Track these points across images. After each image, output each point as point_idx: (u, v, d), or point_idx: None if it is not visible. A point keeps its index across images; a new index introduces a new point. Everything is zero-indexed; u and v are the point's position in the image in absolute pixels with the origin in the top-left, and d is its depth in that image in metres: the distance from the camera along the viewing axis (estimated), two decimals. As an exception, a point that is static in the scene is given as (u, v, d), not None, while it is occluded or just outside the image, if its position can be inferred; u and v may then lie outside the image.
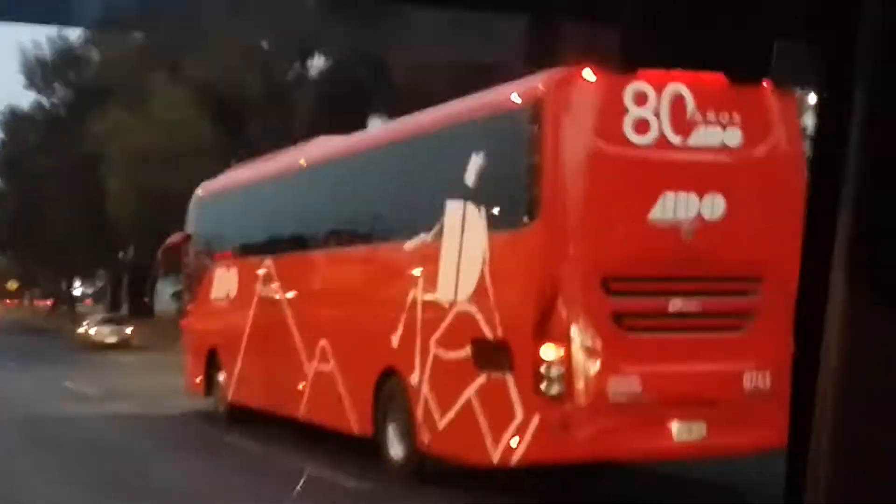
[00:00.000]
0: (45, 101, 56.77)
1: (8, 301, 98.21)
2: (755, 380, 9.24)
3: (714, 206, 9.31)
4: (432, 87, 16.40)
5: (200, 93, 38.83)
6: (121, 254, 52.31)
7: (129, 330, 41.79)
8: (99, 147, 41.30)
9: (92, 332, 41.87)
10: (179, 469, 12.74)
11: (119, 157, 39.03)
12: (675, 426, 9.12)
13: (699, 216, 9.27)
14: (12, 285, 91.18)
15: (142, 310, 45.17)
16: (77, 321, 47.68)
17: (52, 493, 11.54)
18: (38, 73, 54.71)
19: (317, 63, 39.04)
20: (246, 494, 11.24)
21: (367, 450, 11.64)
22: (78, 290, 76.22)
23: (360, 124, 14.83)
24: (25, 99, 61.00)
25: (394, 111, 11.17)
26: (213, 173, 18.56)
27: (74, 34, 51.94)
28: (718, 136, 9.40)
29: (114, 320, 44.92)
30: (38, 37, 53.79)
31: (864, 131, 1.01)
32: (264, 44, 41.01)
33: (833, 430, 1.05)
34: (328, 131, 14.66)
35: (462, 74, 19.17)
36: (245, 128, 36.61)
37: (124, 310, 52.73)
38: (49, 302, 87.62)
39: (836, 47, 1.11)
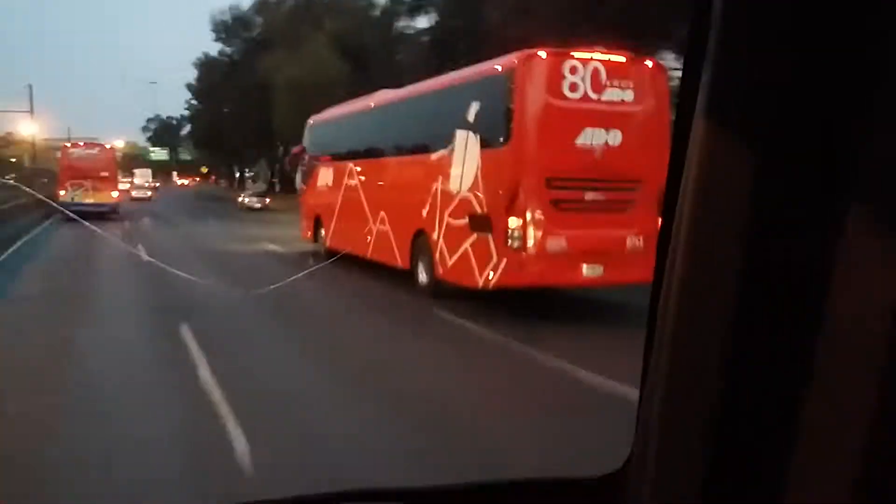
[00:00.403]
0: (226, 49, 55.13)
1: (199, 178, 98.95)
2: (633, 241, 9.56)
3: (615, 137, 9.53)
4: (518, 34, 14.41)
5: (335, 40, 36.88)
6: (280, 150, 49.35)
7: (267, 200, 40.88)
8: (264, 79, 39.60)
9: (245, 200, 41.10)
10: (294, 277, 13.26)
11: (281, 85, 37.13)
12: (584, 267, 9.49)
13: (606, 143, 9.53)
14: (203, 169, 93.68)
15: (284, 187, 44.72)
16: (238, 194, 47.01)
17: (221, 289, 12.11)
18: (222, 30, 53.32)
19: (423, 19, 35.12)
20: (330, 291, 11.90)
21: (405, 277, 11.97)
22: (238, 173, 74.65)
23: (457, 65, 13.58)
24: (214, 48, 60.87)
25: (486, 56, 10.34)
26: (344, 98, 17.83)
27: (247, 4, 51.04)
28: (619, 94, 9.55)
29: (257, 194, 43.83)
30: (223, 5, 52.58)
31: (704, 125, 0.84)
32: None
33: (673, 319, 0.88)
34: (431, 74, 13.54)
35: (545, 23, 17.25)
36: (368, 66, 33.99)
37: (277, 188, 51.81)
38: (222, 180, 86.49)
39: (696, 21, 0.89)
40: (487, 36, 19.73)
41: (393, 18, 37.41)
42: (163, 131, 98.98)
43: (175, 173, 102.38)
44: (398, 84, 14.09)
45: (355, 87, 25.94)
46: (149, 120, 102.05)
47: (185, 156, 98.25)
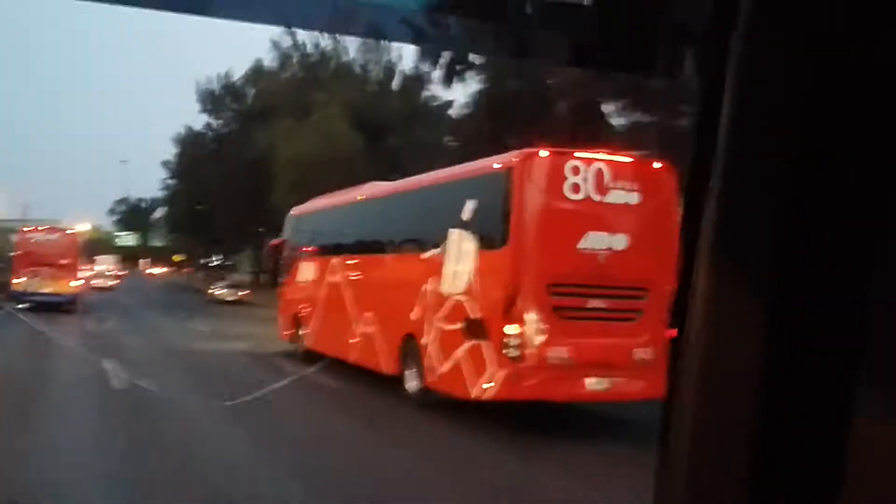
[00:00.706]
0: (213, 122, 49.24)
1: (173, 267, 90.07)
2: (642, 352, 9.04)
3: (620, 241, 9.16)
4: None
5: (350, 111, 32.39)
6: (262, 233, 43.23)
7: (241, 293, 38.55)
8: (261, 154, 34.96)
9: (217, 292, 39.24)
10: (264, 381, 12.48)
11: (282, 161, 32.22)
12: (588, 380, 8.95)
13: (609, 248, 9.13)
14: (177, 258, 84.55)
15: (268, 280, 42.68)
16: (210, 284, 44.33)
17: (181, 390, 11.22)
18: (209, 101, 47.70)
19: (454, 91, 32.10)
20: (313, 400, 10.88)
21: (393, 383, 11.32)
22: (216, 261, 69.80)
23: (492, 147, 12.93)
24: (195, 121, 52.82)
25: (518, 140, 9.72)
26: (359, 176, 16.96)
27: (238, 72, 46.37)
28: (624, 196, 9.24)
29: (233, 285, 41.41)
30: (210, 73, 50.53)
31: (730, 131, 0.85)
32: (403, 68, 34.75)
33: (693, 394, 0.90)
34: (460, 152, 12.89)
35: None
36: (386, 140, 31.45)
37: (261, 279, 48.96)
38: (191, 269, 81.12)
39: (714, 49, 0.89)
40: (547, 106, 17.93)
41: (419, 87, 34.15)
42: (132, 215, 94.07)
43: (142, 261, 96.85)
44: (426, 162, 13.15)
45: (373, 163, 23.71)
46: (117, 202, 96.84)
47: (157, 241, 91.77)
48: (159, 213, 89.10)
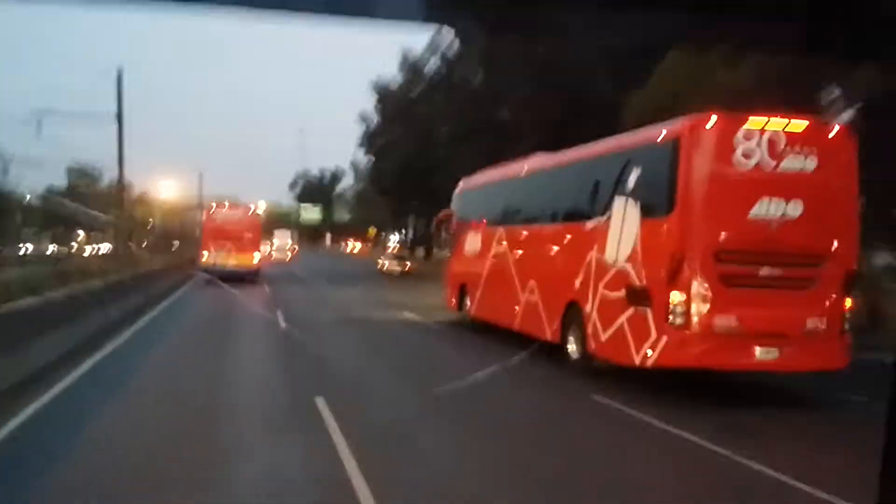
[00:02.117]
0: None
1: (366, 241, 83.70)
2: (814, 323, 8.88)
3: (795, 208, 8.98)
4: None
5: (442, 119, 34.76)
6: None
7: (408, 263, 41.15)
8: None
9: (386, 264, 41.79)
10: (436, 346, 13.34)
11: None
12: (757, 350, 8.88)
13: (784, 215, 8.96)
14: (371, 232, 78.13)
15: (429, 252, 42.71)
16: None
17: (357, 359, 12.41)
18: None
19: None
20: (472, 354, 10.92)
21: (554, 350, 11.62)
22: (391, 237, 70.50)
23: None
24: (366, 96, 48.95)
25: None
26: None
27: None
28: (800, 163, 9.01)
29: (398, 257, 44.33)
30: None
31: None
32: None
33: None
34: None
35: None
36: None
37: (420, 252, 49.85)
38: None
39: None
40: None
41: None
42: (313, 188, 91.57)
43: (328, 235, 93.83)
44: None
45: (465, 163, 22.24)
46: (297, 175, 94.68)
47: (342, 215, 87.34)
48: (346, 183, 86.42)
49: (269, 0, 2.48)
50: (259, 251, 32.28)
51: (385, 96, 44.69)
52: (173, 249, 50.52)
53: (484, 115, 31.02)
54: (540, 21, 2.52)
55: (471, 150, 28.55)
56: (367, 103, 47.34)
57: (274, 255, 51.26)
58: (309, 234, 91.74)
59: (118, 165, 27.99)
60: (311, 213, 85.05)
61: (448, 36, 34.77)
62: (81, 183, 76.65)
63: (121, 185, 32.15)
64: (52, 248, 72.71)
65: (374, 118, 47.83)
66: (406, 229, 60.06)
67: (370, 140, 49.35)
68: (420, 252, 52.25)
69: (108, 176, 78.80)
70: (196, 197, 53.13)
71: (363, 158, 57.46)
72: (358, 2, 2.41)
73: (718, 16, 2.26)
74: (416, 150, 38.79)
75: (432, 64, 39.22)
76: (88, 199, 69.69)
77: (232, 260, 29.49)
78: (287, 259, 52.61)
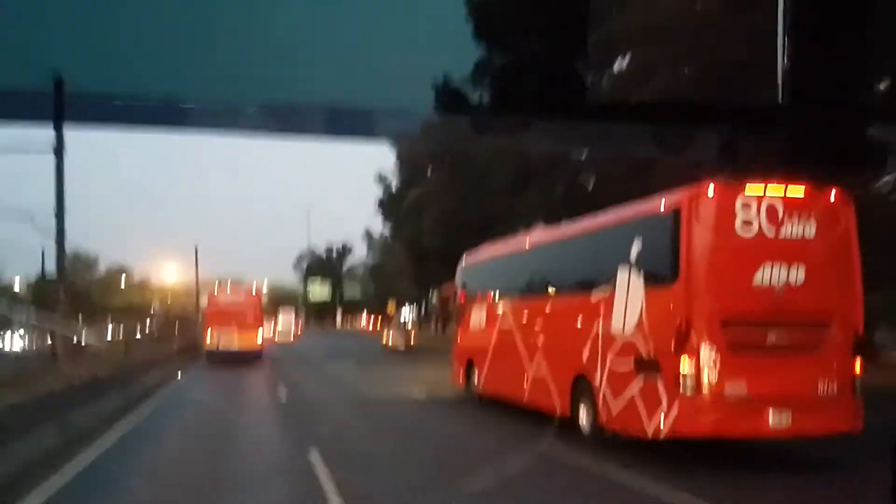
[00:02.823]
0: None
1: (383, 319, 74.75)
2: (825, 386, 8.95)
3: (797, 274, 9.16)
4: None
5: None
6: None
7: (413, 334, 41.62)
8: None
9: (389, 340, 41.72)
10: (440, 425, 13.28)
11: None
12: (770, 416, 8.93)
13: (787, 281, 9.14)
14: (391, 308, 66.51)
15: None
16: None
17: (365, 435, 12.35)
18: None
19: None
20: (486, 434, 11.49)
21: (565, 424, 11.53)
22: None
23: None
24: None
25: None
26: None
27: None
28: (800, 229, 9.24)
29: (401, 328, 44.53)
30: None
31: None
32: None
33: None
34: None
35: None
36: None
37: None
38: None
39: None
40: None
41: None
42: (320, 265, 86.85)
43: (339, 314, 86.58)
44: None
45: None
46: (301, 256, 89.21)
47: (353, 292, 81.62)
48: (354, 259, 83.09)
49: (274, 123, 2.70)
50: (262, 330, 32.52)
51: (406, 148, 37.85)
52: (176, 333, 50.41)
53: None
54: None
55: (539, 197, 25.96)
56: (373, 176, 45.43)
57: (278, 338, 50.96)
58: (317, 312, 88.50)
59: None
60: (319, 290, 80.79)
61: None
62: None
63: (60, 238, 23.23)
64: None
65: (394, 178, 44.59)
66: (427, 301, 55.27)
67: (391, 202, 45.03)
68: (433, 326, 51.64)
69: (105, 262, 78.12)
70: (195, 277, 53.46)
71: (377, 229, 56.05)
72: (358, 123, 2.62)
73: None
74: (463, 201, 32.80)
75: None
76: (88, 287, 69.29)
77: (235, 343, 29.71)
78: (291, 340, 52.63)
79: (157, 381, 20.30)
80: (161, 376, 21.37)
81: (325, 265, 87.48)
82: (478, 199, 31.25)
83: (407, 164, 41.77)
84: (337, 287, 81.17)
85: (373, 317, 77.09)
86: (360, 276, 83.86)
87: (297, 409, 15.94)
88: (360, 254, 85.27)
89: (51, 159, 21.94)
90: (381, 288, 67.08)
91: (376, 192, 46.48)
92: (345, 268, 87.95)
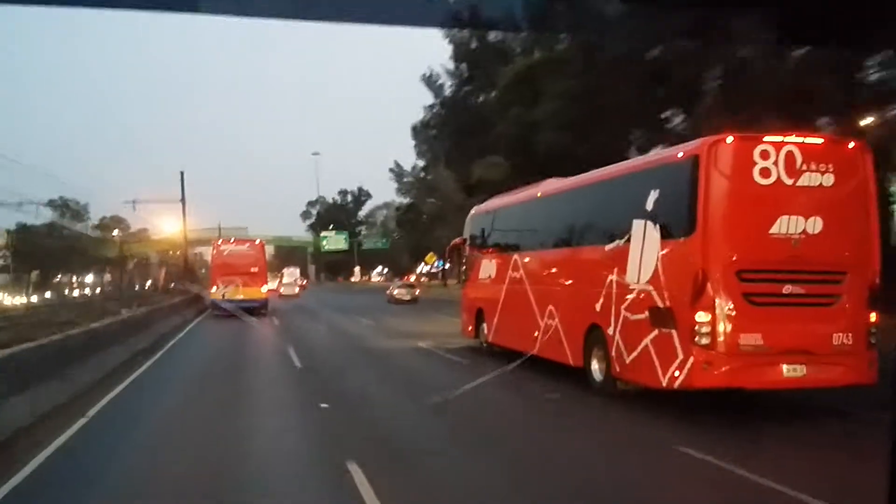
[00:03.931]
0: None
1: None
2: (840, 338, 9.03)
3: (815, 224, 9.18)
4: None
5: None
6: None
7: (417, 291, 43.78)
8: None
9: (395, 292, 43.57)
10: (449, 371, 13.36)
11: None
12: (784, 367, 9.04)
13: (804, 231, 9.17)
14: (430, 258, 58.52)
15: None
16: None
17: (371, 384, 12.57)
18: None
19: None
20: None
21: (576, 375, 11.72)
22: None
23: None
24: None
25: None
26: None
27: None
28: (818, 178, 9.23)
29: (406, 285, 46.52)
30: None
31: None
32: None
33: None
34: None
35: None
36: None
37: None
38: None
39: None
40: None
41: None
42: (331, 214, 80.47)
43: (357, 269, 76.15)
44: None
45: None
46: (310, 203, 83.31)
47: (372, 243, 73.86)
48: (372, 206, 77.55)
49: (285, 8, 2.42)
50: (266, 283, 33.08)
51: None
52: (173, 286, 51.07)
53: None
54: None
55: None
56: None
57: (282, 290, 52.81)
58: (330, 267, 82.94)
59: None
60: (335, 243, 72.88)
61: None
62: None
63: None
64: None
65: (445, 79, 39.43)
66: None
67: (444, 111, 39.40)
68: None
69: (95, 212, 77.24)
70: (197, 231, 53.41)
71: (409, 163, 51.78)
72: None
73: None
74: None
75: None
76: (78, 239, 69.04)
77: (240, 294, 30.27)
78: (295, 294, 54.20)
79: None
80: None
81: (338, 213, 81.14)
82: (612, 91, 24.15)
83: (470, 59, 36.77)
84: (353, 237, 74.85)
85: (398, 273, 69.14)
86: (381, 225, 78.63)
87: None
88: (379, 200, 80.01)
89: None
90: (414, 236, 59.00)
91: (395, 136, 44.86)
92: (361, 216, 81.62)
